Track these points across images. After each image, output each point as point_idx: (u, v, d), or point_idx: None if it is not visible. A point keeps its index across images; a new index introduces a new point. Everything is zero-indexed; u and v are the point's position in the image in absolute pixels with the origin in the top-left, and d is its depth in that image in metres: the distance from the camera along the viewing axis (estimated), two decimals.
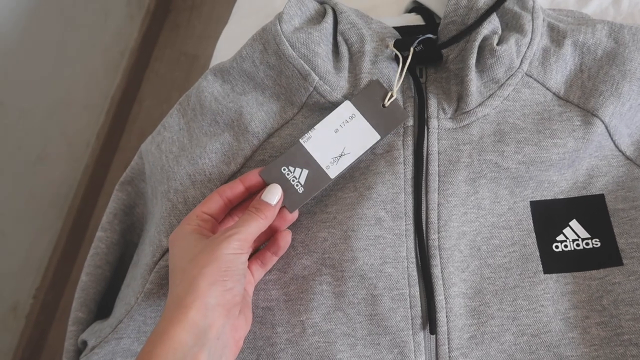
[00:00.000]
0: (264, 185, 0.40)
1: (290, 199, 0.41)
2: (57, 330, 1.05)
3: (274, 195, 0.39)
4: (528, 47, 0.41)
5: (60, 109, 0.99)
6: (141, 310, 0.41)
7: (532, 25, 0.41)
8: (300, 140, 0.41)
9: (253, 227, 0.36)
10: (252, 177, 0.40)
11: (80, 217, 1.09)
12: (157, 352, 0.31)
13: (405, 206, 0.41)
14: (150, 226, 0.45)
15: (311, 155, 0.41)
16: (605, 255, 0.39)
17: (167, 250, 0.42)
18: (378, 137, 0.41)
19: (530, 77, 0.42)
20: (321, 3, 0.45)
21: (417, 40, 0.42)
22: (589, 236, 0.40)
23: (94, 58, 1.07)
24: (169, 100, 1.12)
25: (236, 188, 0.39)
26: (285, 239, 0.41)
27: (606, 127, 0.40)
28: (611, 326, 0.38)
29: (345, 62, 0.43)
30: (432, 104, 0.42)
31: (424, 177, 0.41)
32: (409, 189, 0.41)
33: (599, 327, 0.38)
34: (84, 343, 0.42)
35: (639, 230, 0.39)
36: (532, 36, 0.41)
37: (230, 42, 0.50)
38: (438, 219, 0.41)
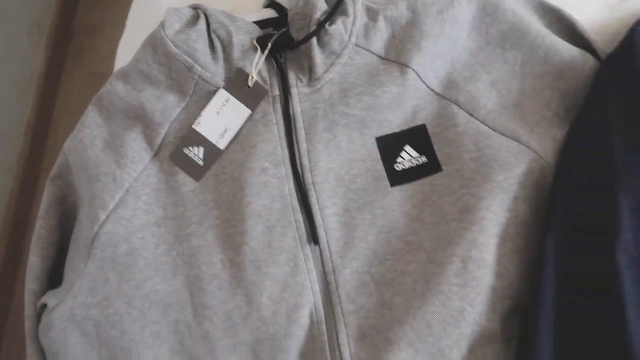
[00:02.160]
0: None
1: (195, 171, 0.53)
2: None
3: None
4: (353, 25, 0.55)
5: None
6: (90, 271, 0.51)
7: (354, 9, 0.55)
8: (192, 126, 0.54)
9: None
10: None
11: (11, 243, 1.14)
12: None
13: (283, 156, 0.54)
14: (84, 209, 0.55)
15: (203, 136, 0.54)
16: (431, 166, 0.54)
17: (104, 222, 0.52)
18: (249, 112, 0.54)
19: (359, 46, 0.55)
20: (195, 9, 0.57)
21: (273, 39, 0.55)
22: (419, 155, 0.54)
23: (4, 88, 1.12)
24: None
25: None
26: None
27: (417, 74, 0.54)
28: (439, 213, 0.52)
29: (220, 54, 0.55)
30: (292, 77, 0.55)
31: (294, 132, 0.54)
32: (284, 143, 0.54)
33: (432, 216, 0.52)
34: (43, 307, 0.52)
35: (450, 144, 0.53)
36: (354, 17, 0.55)
37: (127, 51, 0.60)
38: (309, 162, 0.54)
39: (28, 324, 0.53)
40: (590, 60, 0.54)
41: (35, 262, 0.55)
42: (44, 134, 1.22)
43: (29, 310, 0.53)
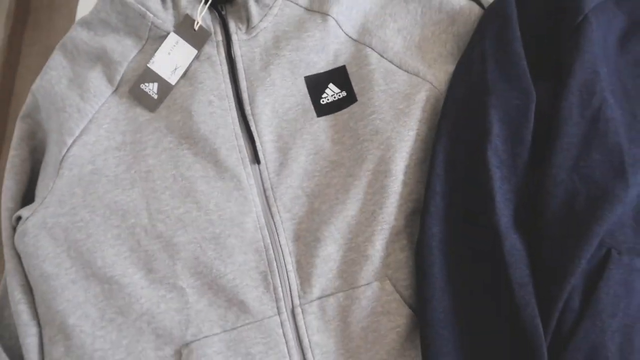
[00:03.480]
0: None
1: (150, 103, 0.62)
2: None
3: None
4: None
5: None
6: (58, 187, 0.60)
7: None
8: (147, 65, 0.63)
9: None
10: None
11: None
12: None
13: (226, 91, 0.63)
14: (52, 139, 0.64)
15: (157, 73, 0.63)
16: (349, 99, 0.65)
17: (70, 146, 0.61)
18: (195, 51, 0.64)
19: (287, 0, 0.66)
20: None
21: None
22: (340, 91, 0.65)
23: None
24: None
25: None
26: None
27: (336, 21, 0.65)
28: (355, 135, 0.63)
29: (169, 2, 0.64)
30: (232, 25, 0.65)
31: (236, 71, 0.64)
32: (227, 80, 0.64)
33: (349, 138, 0.63)
34: (18, 219, 0.60)
35: (364, 79, 0.64)
36: None
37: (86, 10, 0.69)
38: (249, 97, 0.64)
39: (5, 234, 0.61)
40: (475, 7, 0.66)
41: (9, 184, 0.63)
42: (6, 106, 1.28)
43: (5, 223, 0.61)
